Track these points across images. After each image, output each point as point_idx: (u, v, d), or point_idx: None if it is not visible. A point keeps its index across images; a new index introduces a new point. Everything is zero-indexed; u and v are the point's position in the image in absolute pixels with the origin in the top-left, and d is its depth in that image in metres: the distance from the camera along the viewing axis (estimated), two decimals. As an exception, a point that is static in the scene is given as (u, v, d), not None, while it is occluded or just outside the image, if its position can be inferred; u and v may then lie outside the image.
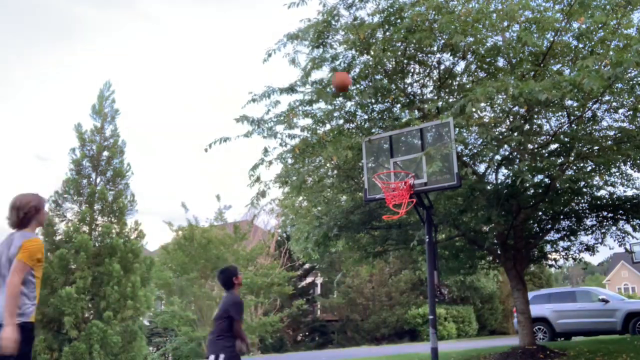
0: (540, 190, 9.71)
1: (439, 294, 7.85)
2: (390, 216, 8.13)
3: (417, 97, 9.22)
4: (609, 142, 9.04)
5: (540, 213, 10.62)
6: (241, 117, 8.28)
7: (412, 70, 9.17)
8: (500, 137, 8.74)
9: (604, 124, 9.42)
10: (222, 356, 4.48)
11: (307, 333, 30.08)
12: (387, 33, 8.22)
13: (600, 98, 8.41)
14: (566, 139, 8.96)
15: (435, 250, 8.24)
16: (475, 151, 9.65)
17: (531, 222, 10.78)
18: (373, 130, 9.05)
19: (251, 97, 8.51)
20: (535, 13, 8.32)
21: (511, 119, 9.14)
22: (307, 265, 28.72)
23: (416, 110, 8.80)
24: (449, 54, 8.63)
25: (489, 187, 9.49)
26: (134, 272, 14.69)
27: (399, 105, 9.31)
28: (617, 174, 10.22)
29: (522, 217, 9.89)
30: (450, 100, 8.84)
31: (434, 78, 9.32)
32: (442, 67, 9.07)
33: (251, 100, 8.51)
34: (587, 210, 10.85)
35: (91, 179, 15.66)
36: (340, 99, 8.82)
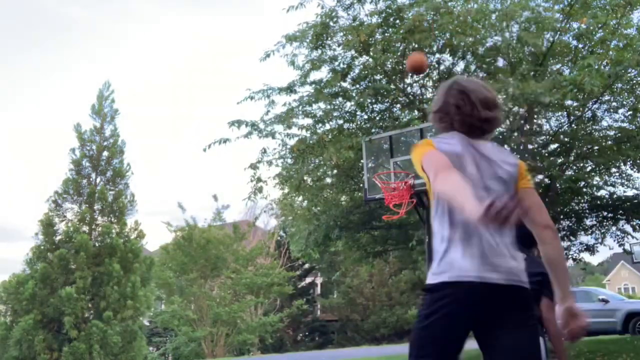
0: (540, 190, 9.71)
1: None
2: (390, 216, 8.12)
3: (417, 97, 9.22)
4: (609, 142, 9.04)
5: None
6: (234, 122, 8.24)
7: (411, 70, 9.16)
8: (500, 137, 8.74)
9: (604, 124, 9.43)
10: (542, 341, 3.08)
11: (307, 333, 30.09)
12: (386, 34, 8.22)
13: (600, 98, 8.41)
14: (566, 139, 8.96)
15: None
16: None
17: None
18: (373, 130, 9.05)
19: (249, 95, 8.51)
20: (534, 13, 8.32)
21: (511, 119, 9.14)
22: (307, 265, 28.73)
23: (416, 111, 8.80)
24: (449, 54, 8.64)
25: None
26: (134, 272, 14.70)
27: (398, 106, 9.32)
28: (617, 174, 10.22)
29: (522, 217, 9.89)
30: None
31: (434, 78, 9.32)
32: (442, 67, 9.07)
33: (248, 98, 8.50)
34: (587, 210, 10.84)
35: (91, 179, 15.67)
36: (340, 99, 8.83)
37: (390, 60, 8.55)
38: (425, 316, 1.87)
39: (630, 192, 10.47)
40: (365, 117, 9.32)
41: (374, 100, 8.93)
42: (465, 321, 1.86)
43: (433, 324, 1.85)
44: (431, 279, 1.92)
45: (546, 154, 9.28)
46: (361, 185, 9.32)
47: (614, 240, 11.35)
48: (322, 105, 8.74)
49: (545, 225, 1.97)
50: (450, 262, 1.89)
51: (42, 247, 14.73)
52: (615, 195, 10.43)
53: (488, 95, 2.04)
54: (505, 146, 8.88)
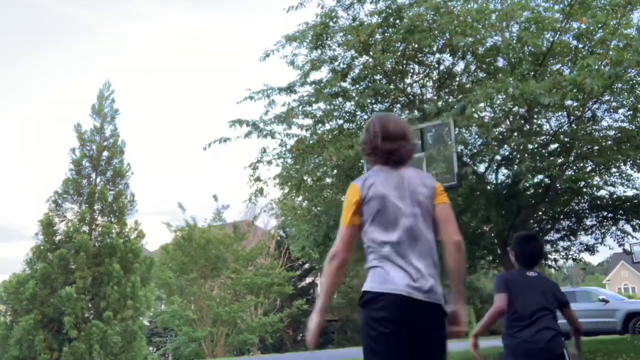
0: (540, 190, 9.71)
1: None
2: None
3: (417, 97, 9.22)
4: (609, 142, 9.04)
5: (540, 213, 10.62)
6: (235, 121, 8.24)
7: (411, 70, 9.17)
8: (500, 137, 8.74)
9: (604, 124, 9.42)
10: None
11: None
12: (386, 34, 8.22)
13: (600, 98, 8.40)
14: (566, 139, 8.95)
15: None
16: (475, 151, 9.65)
17: (531, 222, 10.77)
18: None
19: (248, 94, 8.51)
20: (534, 13, 8.32)
21: (511, 119, 9.14)
22: (307, 265, 28.72)
23: (416, 111, 8.79)
24: (449, 54, 8.63)
25: (488, 187, 9.48)
26: (134, 272, 14.71)
27: (398, 106, 9.31)
28: (617, 174, 10.21)
29: (522, 217, 9.88)
30: (450, 100, 8.85)
31: (434, 78, 9.32)
32: (442, 67, 9.07)
33: (248, 98, 8.50)
34: (587, 210, 10.84)
35: (91, 179, 15.68)
36: (340, 99, 8.82)
37: (390, 60, 8.55)
38: (369, 338, 2.20)
39: (630, 192, 10.47)
40: (365, 117, 9.32)
41: (374, 101, 8.93)
42: (400, 333, 2.16)
43: (378, 342, 2.16)
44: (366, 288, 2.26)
45: (546, 154, 9.28)
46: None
47: (614, 240, 11.36)
48: (322, 105, 8.74)
49: (450, 240, 2.32)
50: (384, 279, 2.22)
51: (42, 247, 14.75)
52: (615, 195, 10.42)
53: (390, 129, 2.40)
54: (505, 146, 8.89)
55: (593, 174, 9.64)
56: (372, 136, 2.41)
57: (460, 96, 7.98)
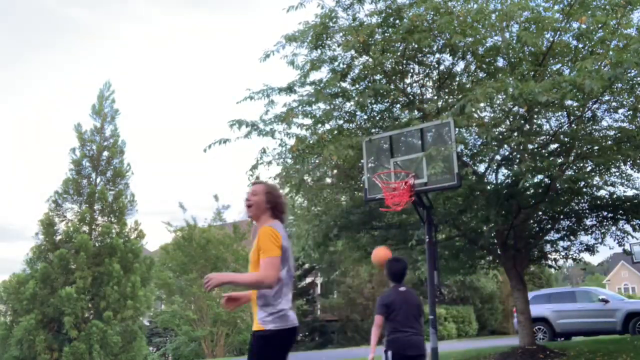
0: (540, 190, 9.71)
1: (438, 294, 7.79)
2: (388, 209, 8.02)
3: (417, 98, 9.22)
4: (609, 142, 9.04)
5: (540, 213, 10.62)
6: (235, 121, 8.23)
7: (411, 70, 9.16)
8: (500, 137, 8.74)
9: (604, 124, 9.42)
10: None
11: (307, 333, 30.07)
12: (386, 34, 8.22)
13: (600, 98, 8.40)
14: (566, 139, 8.95)
15: (435, 250, 8.22)
16: (475, 151, 9.64)
17: (531, 222, 10.78)
18: (373, 130, 9.05)
19: (248, 94, 8.50)
20: (534, 13, 8.31)
21: (511, 119, 9.13)
22: (307, 265, 28.71)
23: (416, 111, 8.80)
24: (449, 54, 8.63)
25: (488, 187, 9.48)
26: (134, 272, 14.72)
27: (398, 106, 9.32)
28: (617, 174, 10.21)
29: (522, 217, 9.89)
30: (450, 100, 8.85)
31: (434, 78, 9.32)
32: (442, 67, 9.07)
33: (248, 97, 8.50)
34: (587, 210, 10.83)
35: (91, 179, 15.69)
36: (340, 99, 8.82)
37: (390, 60, 8.55)
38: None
39: (630, 192, 10.47)
40: (365, 117, 9.32)
41: (373, 101, 8.92)
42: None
43: None
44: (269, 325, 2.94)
45: (546, 154, 9.27)
46: (361, 185, 9.31)
47: (614, 240, 11.35)
48: (321, 105, 8.74)
49: None
50: (284, 314, 2.95)
51: (42, 247, 14.76)
52: (615, 195, 10.42)
53: (285, 201, 3.28)
54: (505, 146, 8.89)
55: (593, 174, 9.64)
56: (279, 196, 3.20)
57: (460, 96, 7.98)
